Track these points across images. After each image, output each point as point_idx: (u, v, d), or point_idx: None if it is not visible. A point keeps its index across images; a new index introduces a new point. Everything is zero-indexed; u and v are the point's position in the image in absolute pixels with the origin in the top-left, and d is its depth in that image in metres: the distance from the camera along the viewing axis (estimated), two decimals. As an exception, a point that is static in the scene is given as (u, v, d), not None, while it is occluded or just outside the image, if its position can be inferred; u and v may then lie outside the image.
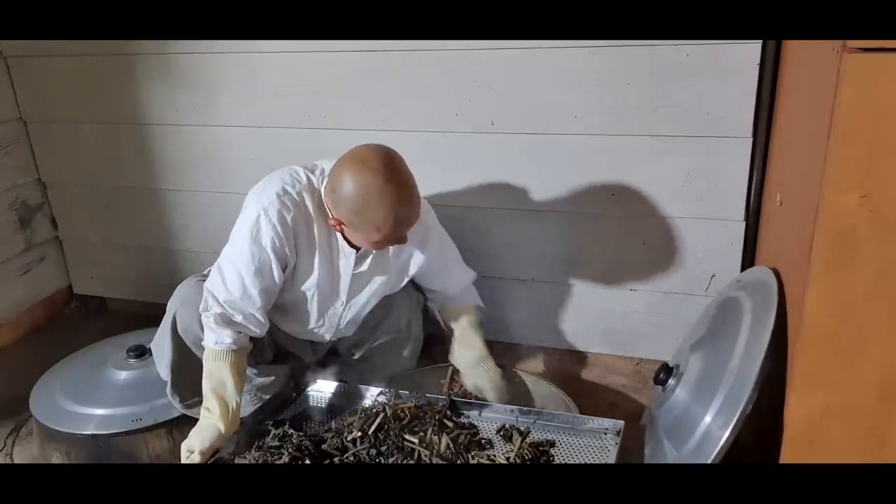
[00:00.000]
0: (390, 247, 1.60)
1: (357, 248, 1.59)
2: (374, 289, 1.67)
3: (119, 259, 2.45)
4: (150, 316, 1.77)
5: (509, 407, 1.63)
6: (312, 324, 1.69)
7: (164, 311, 1.69)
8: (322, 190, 1.53)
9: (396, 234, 1.47)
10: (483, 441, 1.53)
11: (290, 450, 1.46)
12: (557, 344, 2.08)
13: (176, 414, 1.74)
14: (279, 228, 1.49)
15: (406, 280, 1.71)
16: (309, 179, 1.55)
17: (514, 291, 2.04)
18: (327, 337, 1.75)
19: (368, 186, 1.40)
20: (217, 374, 1.51)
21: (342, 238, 1.56)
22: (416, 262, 1.68)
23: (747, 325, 1.33)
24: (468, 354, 1.72)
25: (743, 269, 1.78)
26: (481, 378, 1.69)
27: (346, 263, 1.60)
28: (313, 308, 1.65)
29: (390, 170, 1.41)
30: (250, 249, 1.50)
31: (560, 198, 1.88)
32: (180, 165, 2.22)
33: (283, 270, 1.56)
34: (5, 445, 1.90)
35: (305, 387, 1.74)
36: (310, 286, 1.61)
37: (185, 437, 1.51)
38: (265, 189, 1.53)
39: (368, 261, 1.61)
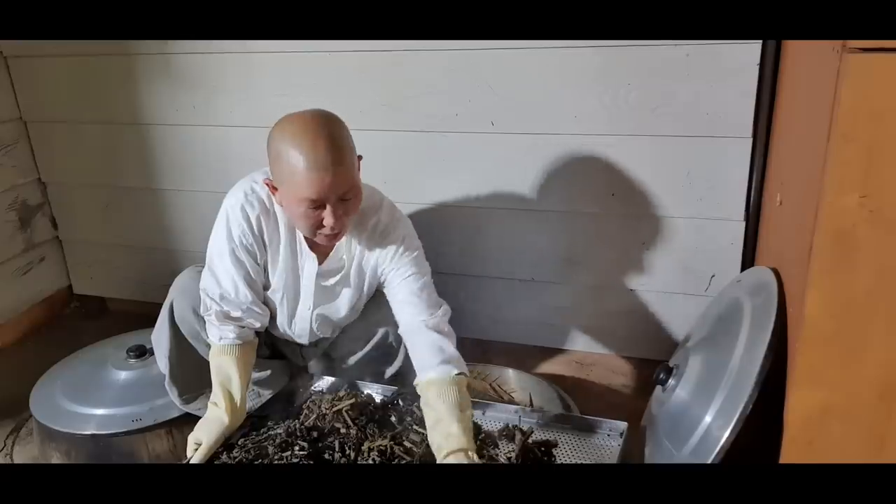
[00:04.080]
0: (354, 262, 1.56)
1: (323, 254, 1.56)
2: (345, 301, 1.64)
3: (119, 259, 2.45)
4: (150, 316, 1.77)
5: (512, 406, 1.63)
6: (286, 325, 1.69)
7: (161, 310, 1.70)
8: None
9: (314, 188, 1.33)
10: (486, 440, 1.52)
11: (295, 449, 1.46)
12: (557, 344, 2.08)
13: (176, 414, 1.74)
14: (244, 225, 1.51)
15: (367, 287, 1.63)
16: None
17: (514, 291, 2.04)
18: (304, 341, 1.74)
19: (288, 132, 1.34)
20: (224, 368, 1.52)
21: (302, 239, 1.54)
22: (374, 268, 1.58)
23: (747, 325, 1.33)
24: (442, 443, 1.35)
25: (743, 269, 1.78)
26: None
27: (310, 267, 1.57)
28: (284, 310, 1.65)
29: (316, 121, 1.35)
30: (228, 248, 1.53)
31: (560, 198, 1.88)
32: (180, 165, 2.22)
33: (258, 266, 1.57)
34: (5, 445, 1.90)
35: (311, 383, 1.75)
36: (279, 286, 1.60)
37: (185, 436, 1.51)
38: (235, 189, 1.54)
39: (339, 276, 1.59)
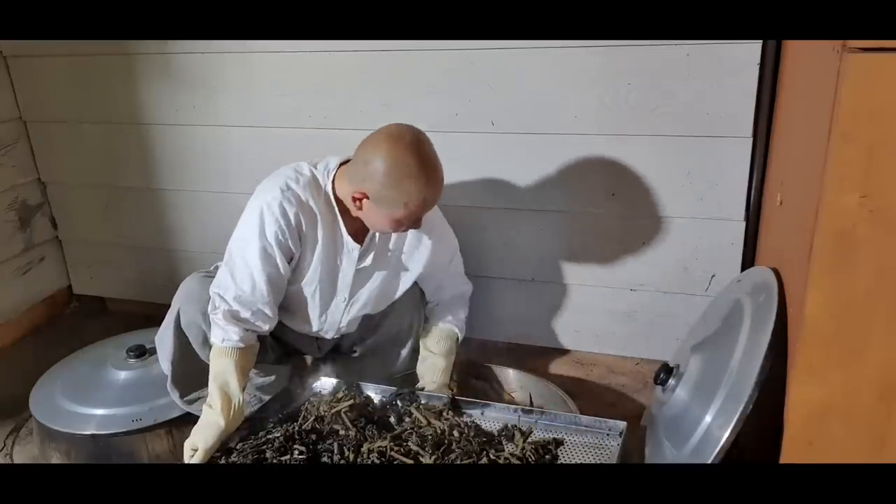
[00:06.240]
0: (391, 244, 1.60)
1: (360, 244, 1.59)
2: (376, 285, 1.67)
3: (119, 259, 2.45)
4: (150, 316, 1.78)
5: (512, 406, 1.63)
6: (315, 320, 1.70)
7: (164, 312, 1.70)
8: (332, 176, 1.56)
9: (419, 213, 1.49)
10: (484, 440, 1.52)
11: (294, 452, 1.46)
12: (557, 344, 2.08)
13: (176, 414, 1.74)
14: (282, 222, 1.51)
15: (408, 281, 1.71)
16: (313, 175, 1.56)
17: (514, 291, 2.04)
18: (329, 335, 1.75)
19: (404, 162, 1.42)
20: (222, 371, 1.52)
21: (346, 233, 1.57)
22: (418, 259, 1.68)
23: (747, 325, 1.33)
24: (428, 377, 1.73)
25: (743, 269, 1.78)
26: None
27: (350, 259, 1.60)
28: (315, 304, 1.66)
29: (424, 149, 1.45)
30: (256, 243, 1.52)
31: (560, 198, 1.88)
32: (180, 165, 2.22)
33: (289, 263, 1.57)
34: (5, 445, 1.90)
35: (309, 384, 1.74)
36: (312, 281, 1.62)
37: (184, 436, 1.51)
38: (269, 184, 1.55)
39: (370, 257, 1.62)
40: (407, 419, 1.57)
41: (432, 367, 1.74)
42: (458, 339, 1.79)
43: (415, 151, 1.42)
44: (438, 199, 1.51)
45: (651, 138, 1.75)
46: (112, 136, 2.25)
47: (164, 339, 1.70)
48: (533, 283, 2.02)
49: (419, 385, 1.73)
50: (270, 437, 1.51)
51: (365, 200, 1.49)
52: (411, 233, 1.63)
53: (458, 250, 1.79)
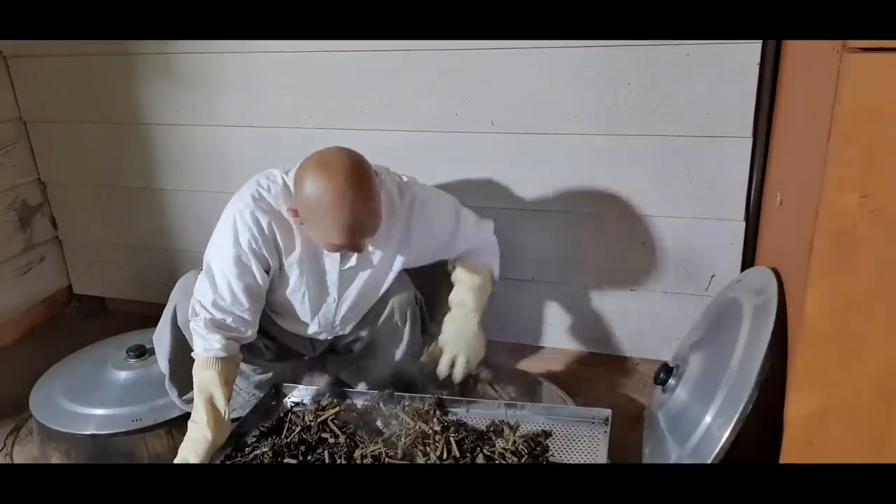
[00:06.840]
0: (374, 243, 1.59)
1: None
2: (364, 283, 1.66)
3: (119, 259, 2.45)
4: (150, 316, 1.77)
5: (495, 402, 1.63)
6: (309, 323, 1.69)
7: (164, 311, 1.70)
8: None
9: (349, 242, 1.45)
10: (476, 438, 1.51)
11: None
12: (557, 344, 2.08)
13: (175, 414, 1.74)
14: (255, 230, 1.51)
15: (392, 274, 1.68)
16: (285, 182, 1.55)
17: (513, 291, 2.04)
18: (323, 336, 1.75)
19: (326, 190, 1.39)
20: (207, 384, 1.50)
21: None
22: (408, 252, 1.65)
23: (747, 325, 1.34)
24: (453, 310, 1.71)
25: (743, 269, 1.78)
26: (453, 327, 1.68)
27: (332, 259, 1.60)
28: (306, 309, 1.66)
29: (353, 178, 1.40)
30: (231, 252, 1.52)
31: (560, 198, 1.88)
32: (180, 165, 2.22)
33: (267, 272, 1.56)
34: (5, 445, 1.90)
35: (285, 395, 1.72)
36: (298, 287, 1.61)
37: (184, 436, 1.51)
38: (242, 194, 1.55)
39: (355, 257, 1.61)
40: (394, 422, 1.56)
41: (458, 301, 1.70)
42: (490, 271, 1.73)
43: (339, 181, 1.38)
44: (369, 230, 1.46)
45: (651, 138, 1.75)
46: (112, 136, 2.25)
47: (161, 337, 1.69)
48: (533, 283, 2.02)
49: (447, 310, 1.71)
50: (258, 451, 1.49)
51: (299, 218, 1.48)
52: (398, 226, 1.60)
53: (458, 212, 1.71)
